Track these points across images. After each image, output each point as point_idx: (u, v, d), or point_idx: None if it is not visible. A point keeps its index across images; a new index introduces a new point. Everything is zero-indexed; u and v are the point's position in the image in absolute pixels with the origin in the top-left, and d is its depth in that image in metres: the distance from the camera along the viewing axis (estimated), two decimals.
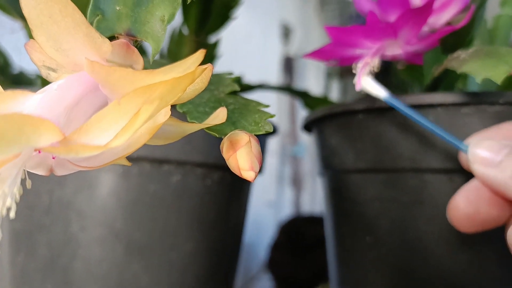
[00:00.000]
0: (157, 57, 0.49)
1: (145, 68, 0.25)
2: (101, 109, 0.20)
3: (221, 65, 0.53)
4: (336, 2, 1.37)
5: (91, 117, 0.16)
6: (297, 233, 0.97)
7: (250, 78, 0.55)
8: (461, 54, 0.32)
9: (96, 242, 0.37)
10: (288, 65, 1.30)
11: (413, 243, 0.36)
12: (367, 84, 0.33)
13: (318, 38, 1.43)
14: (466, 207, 0.30)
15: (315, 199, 1.40)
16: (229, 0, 0.44)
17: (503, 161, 0.28)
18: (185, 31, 0.45)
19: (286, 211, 1.29)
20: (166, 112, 0.19)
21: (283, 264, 0.93)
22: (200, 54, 0.16)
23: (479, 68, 0.28)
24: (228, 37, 0.63)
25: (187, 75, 0.16)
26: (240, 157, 0.19)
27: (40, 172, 0.18)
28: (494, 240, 0.34)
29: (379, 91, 0.33)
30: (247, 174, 0.19)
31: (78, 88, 0.18)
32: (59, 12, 0.17)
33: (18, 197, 0.16)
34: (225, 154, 0.20)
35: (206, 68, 0.18)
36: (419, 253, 0.36)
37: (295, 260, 0.92)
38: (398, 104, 0.32)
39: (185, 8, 0.43)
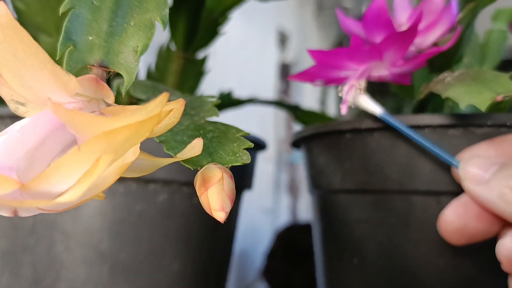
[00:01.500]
0: (144, 73, 0.48)
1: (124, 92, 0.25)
2: (70, 146, 0.20)
3: (218, 72, 0.53)
4: (332, 8, 1.36)
5: (51, 164, 0.15)
6: (294, 241, 0.96)
7: (246, 84, 0.55)
8: (447, 77, 0.31)
9: (81, 263, 0.37)
10: (285, 72, 1.30)
11: (401, 265, 0.36)
12: (363, 101, 0.33)
13: (315, 45, 1.43)
14: (455, 221, 0.30)
15: None
16: (217, 17, 0.44)
17: (492, 179, 0.28)
18: (173, 47, 0.45)
19: (283, 218, 1.29)
20: (135, 151, 0.19)
21: (279, 272, 0.93)
22: (164, 97, 0.16)
23: (463, 94, 0.27)
24: (224, 44, 0.63)
25: (152, 117, 0.16)
26: (211, 196, 0.19)
27: (4, 214, 0.18)
28: (484, 263, 0.34)
29: (375, 108, 0.33)
30: (217, 214, 0.19)
31: (43, 128, 0.18)
32: (23, 51, 0.17)
33: None
34: (197, 191, 0.20)
35: (172, 109, 0.17)
36: (407, 275, 0.35)
37: (291, 268, 0.92)
38: (393, 121, 0.32)
39: (172, 24, 0.42)
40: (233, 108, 0.52)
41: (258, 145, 0.44)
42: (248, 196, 0.52)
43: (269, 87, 1.21)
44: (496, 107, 0.29)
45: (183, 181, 0.39)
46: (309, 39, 1.43)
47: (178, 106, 0.19)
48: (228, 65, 0.84)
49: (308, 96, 1.38)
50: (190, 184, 0.39)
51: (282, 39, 1.30)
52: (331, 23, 1.38)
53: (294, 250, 0.94)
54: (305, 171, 0.46)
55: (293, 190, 1.33)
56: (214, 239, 0.42)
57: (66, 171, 0.15)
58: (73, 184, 0.15)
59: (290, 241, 0.97)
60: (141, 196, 0.38)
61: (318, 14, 1.39)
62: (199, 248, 0.41)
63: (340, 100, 0.34)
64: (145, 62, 0.47)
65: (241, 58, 1.03)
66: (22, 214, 0.18)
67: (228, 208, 0.19)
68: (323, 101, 0.88)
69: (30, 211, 0.17)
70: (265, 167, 1.12)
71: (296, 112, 0.53)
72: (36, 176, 0.15)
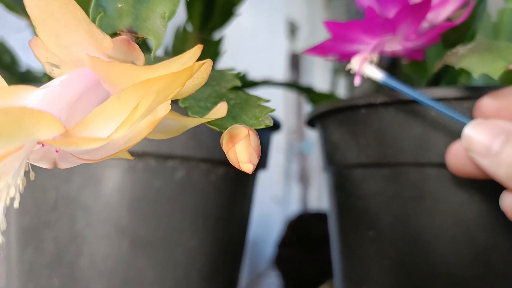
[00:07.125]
0: (162, 54, 0.49)
1: (147, 64, 0.26)
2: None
3: (227, 62, 0.54)
4: None
5: (91, 112, 0.16)
6: (304, 230, 0.96)
7: (256, 75, 0.55)
8: (460, 49, 0.32)
9: (101, 238, 0.38)
10: (295, 62, 1.30)
11: (416, 237, 0.36)
12: (366, 68, 0.33)
13: (324, 35, 1.43)
14: (457, 158, 0.30)
15: (322, 195, 1.40)
16: None
17: (499, 154, 0.26)
18: (189, 28, 0.46)
19: (293, 208, 1.29)
20: (166, 107, 0.19)
21: (290, 261, 0.93)
22: (197, 49, 0.17)
23: (476, 63, 0.28)
24: (234, 34, 0.63)
25: (185, 69, 0.17)
26: (239, 150, 0.20)
27: (44, 165, 0.18)
28: (500, 234, 0.34)
29: (376, 74, 0.33)
30: (246, 166, 0.19)
31: (80, 83, 0.19)
32: (60, 9, 0.18)
33: (21, 188, 0.17)
34: (224, 148, 0.21)
35: (204, 63, 0.18)
36: (421, 247, 0.36)
37: (302, 256, 0.92)
38: (396, 84, 0.32)
39: (189, 5, 0.43)
40: (247, 89, 0.52)
41: (273, 125, 0.44)
42: (258, 186, 0.52)
43: (279, 77, 1.21)
44: (509, 76, 0.30)
45: (200, 158, 0.39)
46: (318, 29, 1.43)
47: (206, 64, 0.20)
48: (237, 55, 0.84)
49: (318, 85, 1.39)
50: (208, 161, 0.40)
51: (292, 29, 1.30)
52: (341, 13, 1.38)
53: (305, 239, 0.94)
54: (321, 148, 0.47)
55: (303, 179, 1.33)
56: (231, 216, 0.43)
57: (105, 118, 0.16)
58: (110, 132, 0.16)
59: (301, 230, 0.97)
60: (159, 173, 0.39)
61: (328, 4, 1.40)
62: (216, 225, 0.42)
63: (349, 87, 0.35)
64: (163, 44, 0.48)
65: (251, 48, 1.04)
66: (61, 165, 0.19)
67: (256, 160, 0.20)
68: (333, 86, 0.88)
69: (70, 161, 0.18)
70: (275, 156, 1.12)
71: (309, 94, 0.54)
72: (78, 122, 0.16)
